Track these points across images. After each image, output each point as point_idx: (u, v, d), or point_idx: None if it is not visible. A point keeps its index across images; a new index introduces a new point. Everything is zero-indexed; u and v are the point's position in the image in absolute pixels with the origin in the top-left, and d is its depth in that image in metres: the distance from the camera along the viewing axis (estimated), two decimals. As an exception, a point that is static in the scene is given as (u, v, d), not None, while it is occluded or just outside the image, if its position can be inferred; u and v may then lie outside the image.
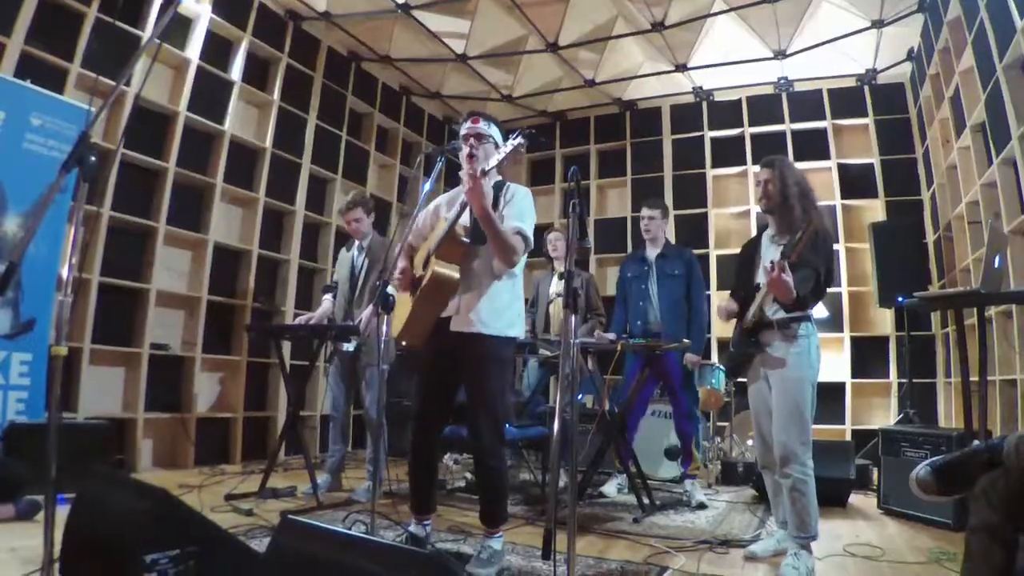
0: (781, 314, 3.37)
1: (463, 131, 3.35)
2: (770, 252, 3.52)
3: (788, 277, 3.13)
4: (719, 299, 8.12)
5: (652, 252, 5.36)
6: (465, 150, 3.28)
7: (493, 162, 3.07)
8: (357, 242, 5.27)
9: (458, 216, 3.20)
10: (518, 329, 3.37)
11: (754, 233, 3.96)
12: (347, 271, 5.23)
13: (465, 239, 3.20)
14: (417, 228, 3.48)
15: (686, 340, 5.02)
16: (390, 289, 3.18)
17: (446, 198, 3.52)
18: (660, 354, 4.80)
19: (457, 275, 3.16)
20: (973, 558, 1.96)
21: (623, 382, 5.36)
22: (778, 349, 3.38)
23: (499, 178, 3.44)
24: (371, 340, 4.77)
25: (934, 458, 2.19)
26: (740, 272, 3.78)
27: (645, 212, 5.37)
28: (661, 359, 4.89)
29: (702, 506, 4.84)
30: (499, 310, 3.25)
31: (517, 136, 2.98)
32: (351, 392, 5.20)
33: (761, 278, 3.46)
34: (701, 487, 5.23)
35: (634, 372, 5.04)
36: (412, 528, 3.34)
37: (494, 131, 3.35)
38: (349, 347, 5.03)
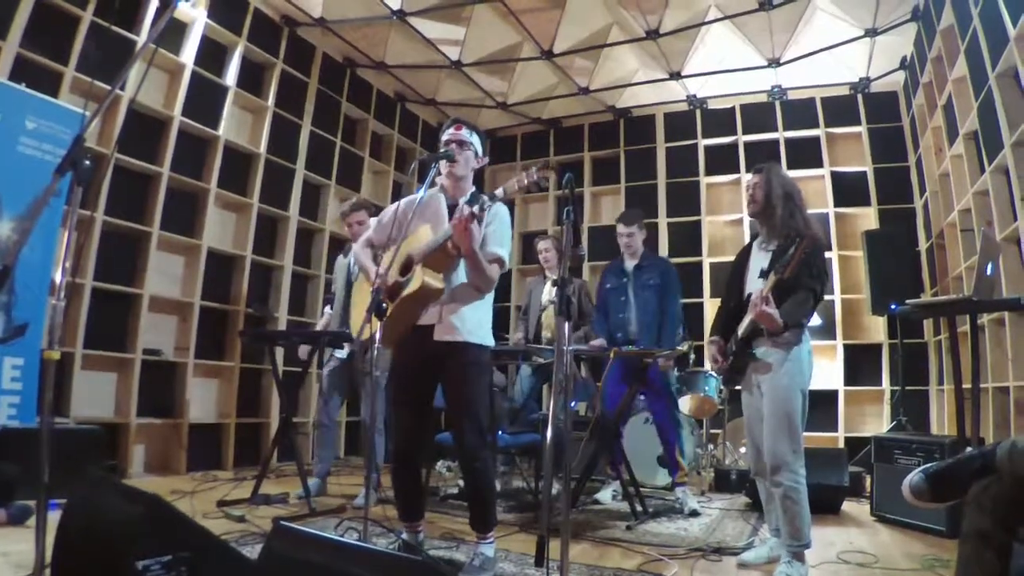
0: None
1: (445, 136, 3.40)
2: (759, 259, 3.51)
3: (772, 309, 3.16)
4: (713, 306, 8.14)
5: (631, 263, 5.35)
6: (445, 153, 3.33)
7: (502, 192, 3.14)
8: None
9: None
10: (492, 339, 3.44)
11: (747, 241, 3.96)
12: (343, 279, 5.21)
13: (455, 254, 3.22)
14: (381, 225, 3.48)
15: (681, 348, 5.00)
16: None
17: (409, 202, 3.40)
18: (646, 365, 4.77)
19: (443, 285, 3.19)
20: (966, 564, 1.95)
21: (603, 388, 5.29)
22: (770, 356, 3.37)
23: (473, 188, 3.45)
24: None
25: (927, 465, 2.18)
26: (731, 281, 3.77)
27: (623, 229, 5.33)
28: (645, 370, 4.86)
29: (695, 513, 4.83)
30: (481, 320, 3.33)
31: (535, 174, 3.02)
32: (344, 400, 5.19)
33: (752, 286, 3.47)
34: (694, 494, 5.23)
35: (613, 378, 5.01)
36: (405, 536, 3.34)
37: (475, 140, 3.40)
38: (341, 354, 5.02)
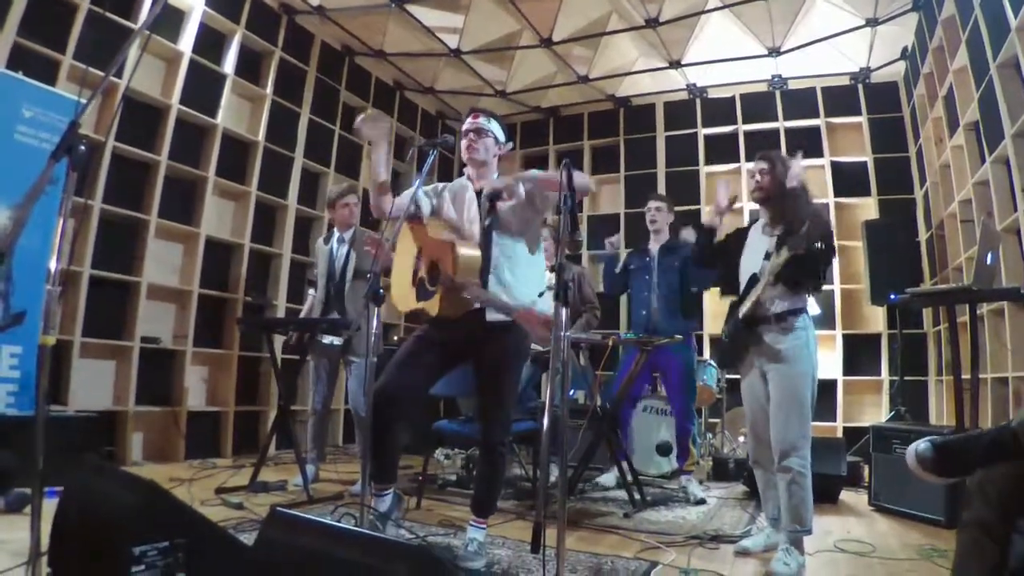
0: (778, 308, 3.38)
1: (464, 127, 3.38)
2: (763, 243, 3.53)
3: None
4: (713, 296, 8.14)
5: (655, 245, 5.40)
6: (464, 143, 3.32)
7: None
8: (337, 233, 5.23)
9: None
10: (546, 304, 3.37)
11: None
12: (325, 265, 5.20)
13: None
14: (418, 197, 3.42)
15: (678, 336, 5.02)
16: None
17: (447, 187, 3.48)
18: (655, 348, 4.79)
19: (460, 310, 3.17)
20: (965, 554, 1.94)
21: (616, 377, 5.38)
22: (776, 343, 3.38)
23: (498, 175, 3.42)
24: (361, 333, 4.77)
25: (935, 436, 2.14)
26: (723, 250, 3.80)
27: (652, 204, 5.48)
28: (658, 353, 4.89)
29: (702, 502, 4.85)
30: (533, 288, 3.30)
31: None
32: (333, 388, 5.21)
33: (753, 268, 3.48)
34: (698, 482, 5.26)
35: (629, 366, 5.04)
36: (377, 504, 3.22)
37: (494, 126, 3.35)
38: (335, 341, 5.01)
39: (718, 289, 5.30)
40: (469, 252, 3.14)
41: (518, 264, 3.26)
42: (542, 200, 3.26)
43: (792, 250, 3.19)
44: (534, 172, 3.28)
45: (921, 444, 2.08)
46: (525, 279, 3.28)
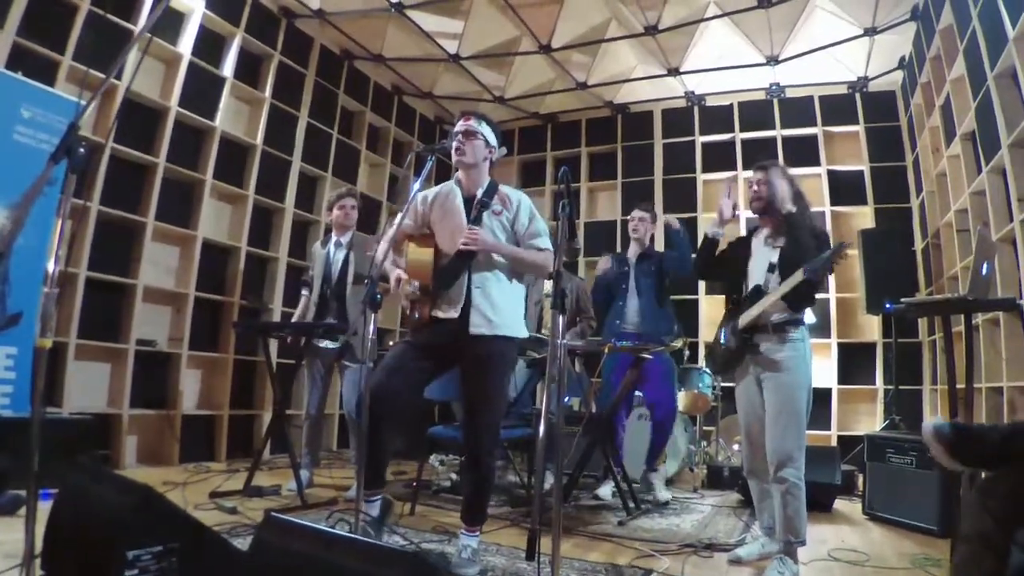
0: (777, 318, 3.39)
1: (455, 128, 3.37)
2: (765, 253, 3.54)
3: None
4: (708, 303, 8.18)
5: (634, 252, 5.42)
6: (454, 145, 3.31)
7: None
8: (335, 237, 5.24)
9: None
10: (524, 330, 3.42)
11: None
12: (322, 268, 5.20)
13: None
14: (417, 214, 3.44)
15: (675, 344, 5.03)
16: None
17: (437, 194, 3.47)
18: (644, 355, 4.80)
19: None
20: (964, 565, 1.95)
21: (604, 383, 5.40)
22: (774, 352, 3.39)
23: (489, 179, 3.42)
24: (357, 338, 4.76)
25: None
26: (725, 261, 3.81)
27: (636, 214, 5.50)
28: (642, 361, 4.90)
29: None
30: (515, 311, 3.35)
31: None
32: (327, 392, 5.21)
33: (757, 279, 3.49)
34: (683, 489, 5.28)
35: (619, 373, 5.05)
36: (367, 509, 3.18)
37: (484, 128, 3.35)
38: (331, 344, 5.01)
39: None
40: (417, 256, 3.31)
41: (501, 282, 3.30)
42: (523, 274, 3.41)
43: (809, 275, 3.21)
44: (526, 254, 3.33)
45: (940, 420, 2.09)
46: (510, 297, 3.32)
